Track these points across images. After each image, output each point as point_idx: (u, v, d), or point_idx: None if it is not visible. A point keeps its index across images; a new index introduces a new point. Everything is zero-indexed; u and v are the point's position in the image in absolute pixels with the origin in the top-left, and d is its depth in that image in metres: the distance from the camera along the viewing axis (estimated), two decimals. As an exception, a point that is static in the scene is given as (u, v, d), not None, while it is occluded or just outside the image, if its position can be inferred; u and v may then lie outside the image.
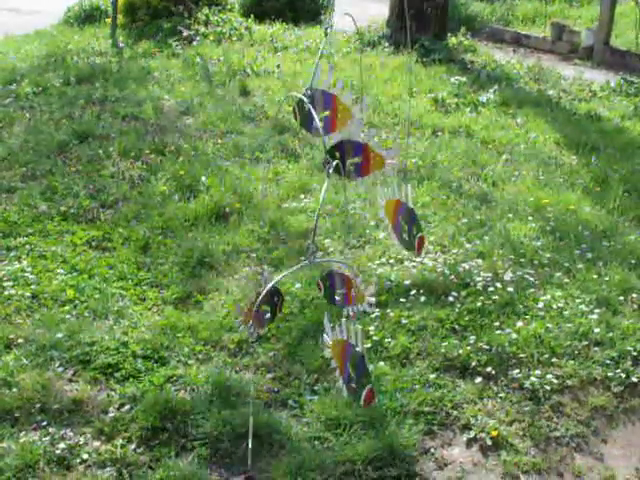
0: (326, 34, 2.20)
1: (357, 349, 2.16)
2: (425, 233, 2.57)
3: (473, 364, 4.33)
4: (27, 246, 5.36)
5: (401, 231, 2.55)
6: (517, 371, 4.28)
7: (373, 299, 2.70)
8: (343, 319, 2.19)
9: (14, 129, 7.49)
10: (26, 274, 4.99)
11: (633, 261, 5.39)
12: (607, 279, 5.14)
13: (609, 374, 4.30)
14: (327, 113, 2.25)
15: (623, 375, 4.30)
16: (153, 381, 4.08)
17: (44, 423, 3.78)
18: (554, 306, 4.84)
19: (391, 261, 5.29)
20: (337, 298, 2.74)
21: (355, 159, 2.60)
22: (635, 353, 4.45)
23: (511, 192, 6.46)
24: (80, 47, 10.50)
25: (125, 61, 9.97)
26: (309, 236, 2.40)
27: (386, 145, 7.36)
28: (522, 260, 5.35)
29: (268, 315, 2.63)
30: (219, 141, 7.27)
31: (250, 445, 1.99)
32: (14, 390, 3.95)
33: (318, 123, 2.22)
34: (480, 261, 5.29)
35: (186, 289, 4.96)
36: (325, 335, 2.18)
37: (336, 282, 2.72)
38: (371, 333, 4.49)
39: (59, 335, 4.37)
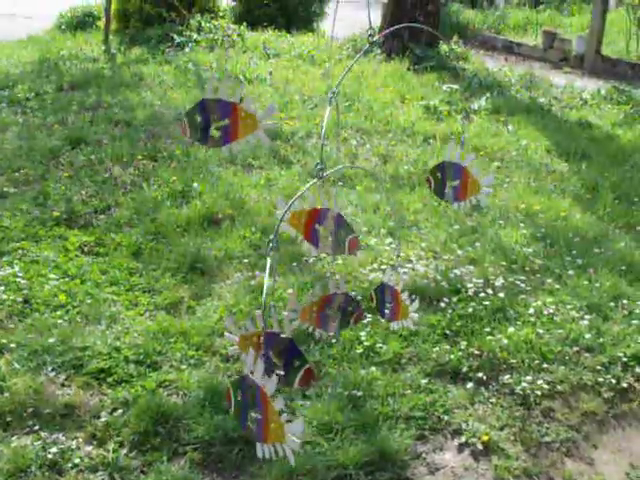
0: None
1: (282, 336, 2.19)
2: (359, 235, 2.58)
3: (464, 369, 4.35)
4: (19, 251, 5.35)
5: (319, 238, 2.51)
6: (508, 376, 4.30)
7: (416, 315, 2.72)
8: (258, 311, 2.21)
9: (7, 134, 7.49)
10: (18, 279, 4.99)
11: (623, 267, 5.42)
12: (598, 285, 5.17)
13: (599, 380, 4.32)
14: (226, 122, 2.21)
15: (613, 381, 4.32)
16: (145, 386, 4.08)
17: (36, 427, 3.78)
18: (545, 312, 4.87)
19: (383, 267, 5.30)
20: (386, 312, 2.76)
21: (454, 182, 2.63)
22: (625, 359, 4.48)
23: (502, 199, 6.49)
24: (73, 53, 10.50)
25: (118, 67, 9.98)
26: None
27: (378, 151, 7.39)
28: (513, 266, 5.38)
29: (336, 322, 2.62)
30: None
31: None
32: (6, 394, 3.95)
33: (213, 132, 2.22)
34: (471, 267, 5.31)
35: (178, 294, 4.96)
36: (228, 334, 2.20)
37: (386, 295, 2.73)
38: (362, 339, 4.51)
39: (51, 340, 4.37)
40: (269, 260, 1.93)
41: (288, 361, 2.22)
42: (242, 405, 1.92)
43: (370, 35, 2.32)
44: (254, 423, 1.89)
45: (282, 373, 2.21)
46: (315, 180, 2.13)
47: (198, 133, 2.24)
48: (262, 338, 2.13)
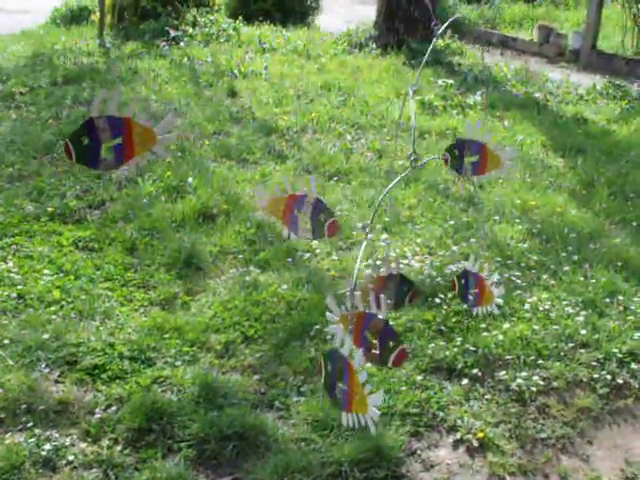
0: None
1: (379, 316, 2.23)
2: (337, 218, 2.58)
3: (460, 366, 4.34)
4: (13, 246, 5.33)
5: (299, 222, 2.52)
6: (503, 373, 4.29)
7: (501, 301, 2.76)
8: (357, 292, 2.25)
9: (0, 129, 7.46)
10: (12, 274, 4.97)
11: (619, 263, 5.41)
12: (593, 281, 5.16)
13: (595, 376, 4.32)
14: (118, 140, 2.01)
15: (609, 377, 4.31)
16: (140, 382, 4.07)
17: (30, 424, 3.76)
18: (540, 308, 4.86)
19: (378, 263, 5.29)
20: (469, 298, 2.79)
21: (473, 158, 2.64)
22: (620, 355, 4.47)
23: (498, 194, 6.47)
24: (67, 47, 10.47)
25: (112, 62, 9.95)
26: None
27: (373, 147, 7.38)
28: (509, 262, 5.37)
29: (390, 301, 2.65)
30: (206, 142, 7.26)
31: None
32: (0, 391, 3.94)
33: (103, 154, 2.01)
34: (467, 263, 5.29)
35: (173, 290, 4.95)
36: (329, 313, 2.23)
37: (470, 282, 2.77)
38: (358, 334, 4.49)
39: (45, 336, 4.35)
40: (364, 243, 2.02)
41: (383, 341, 2.26)
42: (331, 376, 2.02)
43: (435, 25, 2.35)
44: (340, 393, 2.01)
45: (377, 352, 2.26)
46: (409, 169, 2.16)
47: (86, 156, 2.02)
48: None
